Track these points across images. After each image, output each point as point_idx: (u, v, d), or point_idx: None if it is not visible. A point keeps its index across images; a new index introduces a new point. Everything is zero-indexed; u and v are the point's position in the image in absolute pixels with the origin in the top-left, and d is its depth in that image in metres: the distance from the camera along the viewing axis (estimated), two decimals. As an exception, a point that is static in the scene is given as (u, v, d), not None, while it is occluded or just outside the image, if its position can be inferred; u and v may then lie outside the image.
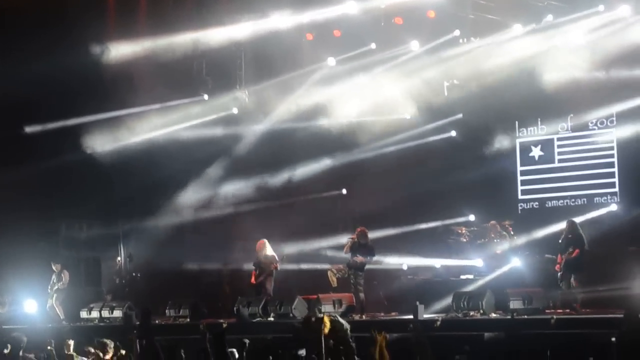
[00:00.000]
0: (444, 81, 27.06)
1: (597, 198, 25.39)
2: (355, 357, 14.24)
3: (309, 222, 27.21)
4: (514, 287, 21.49)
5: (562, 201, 25.87)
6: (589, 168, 25.57)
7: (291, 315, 21.29)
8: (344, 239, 23.25)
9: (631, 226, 24.07)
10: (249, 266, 24.14)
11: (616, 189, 25.19)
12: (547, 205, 26.14)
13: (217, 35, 26.69)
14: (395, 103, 27.07)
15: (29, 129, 26.95)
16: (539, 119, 26.40)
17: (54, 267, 25.36)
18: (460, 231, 25.39)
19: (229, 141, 28.60)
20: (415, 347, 12.47)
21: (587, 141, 25.75)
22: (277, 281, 23.57)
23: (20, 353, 14.73)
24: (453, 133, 27.66)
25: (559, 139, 26.23)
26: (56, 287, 25.18)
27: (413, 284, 24.41)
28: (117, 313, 23.77)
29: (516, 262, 23.64)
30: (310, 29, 27.21)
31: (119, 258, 29.19)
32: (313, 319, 15.33)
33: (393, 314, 23.27)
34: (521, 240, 24.37)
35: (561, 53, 24.80)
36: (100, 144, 27.56)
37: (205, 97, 28.76)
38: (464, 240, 25.15)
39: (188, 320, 23.17)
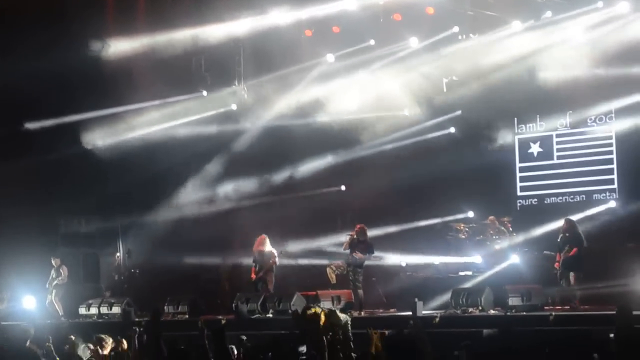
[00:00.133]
0: (443, 78, 27.03)
1: (596, 195, 25.38)
2: (352, 354, 14.23)
3: (308, 218, 27.22)
4: (513, 283, 21.50)
5: (560, 198, 25.87)
6: (588, 165, 25.57)
7: (290, 311, 21.30)
8: (343, 235, 23.27)
9: (630, 223, 24.08)
10: (248, 262, 24.16)
11: (615, 186, 25.18)
12: (545, 201, 26.14)
13: (216, 31, 26.67)
14: (394, 100, 27.08)
15: (28, 125, 26.97)
16: (538, 116, 26.40)
17: (53, 262, 25.40)
18: (459, 228, 25.38)
19: (227, 137, 28.62)
20: (415, 344, 12.47)
21: (586, 138, 25.74)
22: (276, 278, 23.60)
23: (27, 343, 14.74)
24: (452, 129, 27.67)
25: (557, 136, 26.23)
26: (55, 282, 25.22)
27: (412, 281, 24.39)
28: (116, 309, 23.81)
29: (515, 259, 23.63)
30: (309, 25, 27.17)
31: (118, 254, 29.23)
32: (310, 310, 15.33)
33: (392, 310, 23.32)
34: (520, 236, 24.36)
35: (560, 49, 24.76)
36: (99, 139, 27.61)
37: (204, 93, 28.76)
38: (463, 236, 25.14)
39: (187, 316, 23.19)
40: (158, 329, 14.71)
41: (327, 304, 20.97)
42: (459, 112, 27.38)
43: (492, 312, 20.45)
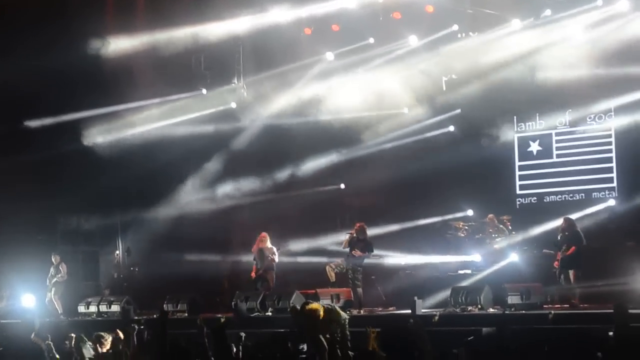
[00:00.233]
0: (442, 76, 27.01)
1: (595, 193, 25.38)
2: (350, 352, 14.24)
3: (308, 216, 27.22)
4: (512, 282, 21.50)
5: (560, 196, 25.86)
6: (587, 163, 25.56)
7: (289, 309, 21.29)
8: (343, 234, 23.28)
9: (629, 221, 24.10)
10: (248, 260, 24.17)
11: (614, 184, 25.19)
12: (545, 200, 26.14)
13: (215, 29, 26.66)
14: (393, 98, 27.06)
15: (28, 123, 26.96)
16: (538, 114, 26.39)
17: (53, 259, 25.39)
18: (458, 226, 25.37)
19: (227, 135, 28.61)
20: (415, 342, 12.47)
21: (586, 136, 25.75)
22: (275, 276, 23.60)
23: (32, 336, 14.76)
24: (451, 128, 27.65)
25: (557, 134, 26.23)
26: (54, 279, 25.21)
27: (411, 279, 24.40)
28: (115, 307, 23.80)
29: (514, 257, 23.63)
30: (308, 24, 27.16)
31: (117, 252, 29.22)
32: (308, 306, 15.32)
33: (391, 309, 23.32)
34: (519, 235, 24.35)
35: (559, 48, 24.75)
36: (99, 137, 27.61)
37: (204, 91, 28.74)
38: (462, 235, 25.13)
39: (186, 314, 23.19)
40: (165, 328, 14.70)
41: (326, 302, 20.96)
42: (458, 111, 27.37)
43: (491, 310, 20.45)
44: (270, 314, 21.90)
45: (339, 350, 14.19)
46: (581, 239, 21.44)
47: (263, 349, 14.46)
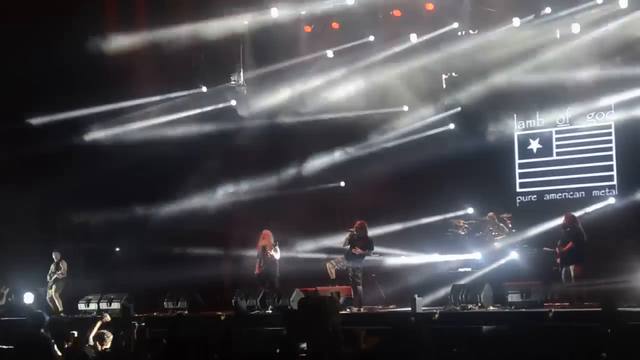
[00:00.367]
0: (442, 74, 27.05)
1: (596, 191, 25.39)
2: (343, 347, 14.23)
3: (308, 214, 27.23)
4: (512, 280, 21.53)
5: (560, 194, 25.87)
6: (587, 161, 25.56)
7: (289, 307, 21.33)
8: (343, 231, 23.28)
9: (629, 219, 24.09)
10: (249, 257, 24.18)
11: (614, 182, 25.20)
12: (545, 198, 26.14)
13: (215, 27, 26.63)
14: (393, 96, 27.05)
15: (29, 120, 26.97)
16: (538, 112, 26.40)
17: (53, 256, 25.39)
18: (458, 224, 25.38)
19: (227, 133, 28.60)
20: (416, 340, 12.47)
21: (586, 134, 25.75)
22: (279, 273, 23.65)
23: (42, 330, 14.77)
24: (451, 126, 27.67)
25: (557, 132, 26.23)
26: (55, 276, 25.21)
27: (411, 277, 24.41)
28: (115, 305, 23.81)
29: (514, 255, 23.63)
30: (308, 21, 27.17)
31: (117, 249, 29.20)
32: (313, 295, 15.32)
33: (391, 306, 23.33)
34: (519, 233, 24.35)
35: (559, 45, 24.80)
36: (99, 134, 27.62)
37: (204, 88, 28.74)
38: (462, 233, 25.14)
39: (186, 312, 23.20)
40: (176, 330, 14.70)
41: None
42: (458, 109, 27.39)
43: (491, 308, 20.47)
44: (270, 311, 21.90)
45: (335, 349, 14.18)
46: (581, 235, 21.46)
47: (264, 347, 14.44)
